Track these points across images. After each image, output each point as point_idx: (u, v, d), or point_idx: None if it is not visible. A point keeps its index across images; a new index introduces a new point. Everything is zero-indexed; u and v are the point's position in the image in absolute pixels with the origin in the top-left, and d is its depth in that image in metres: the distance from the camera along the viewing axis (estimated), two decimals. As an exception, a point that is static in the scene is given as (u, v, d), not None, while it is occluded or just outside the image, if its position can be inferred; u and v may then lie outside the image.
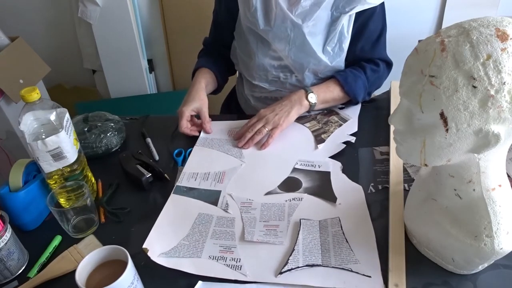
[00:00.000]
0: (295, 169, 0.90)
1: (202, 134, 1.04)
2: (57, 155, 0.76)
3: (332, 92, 1.03)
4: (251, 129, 0.98)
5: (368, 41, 1.05)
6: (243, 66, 1.15)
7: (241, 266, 0.69)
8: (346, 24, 1.00)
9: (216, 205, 0.82)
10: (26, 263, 0.73)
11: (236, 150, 0.97)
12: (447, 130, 0.51)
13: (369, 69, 1.06)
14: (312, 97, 1.01)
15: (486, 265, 0.63)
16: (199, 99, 1.05)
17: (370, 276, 0.65)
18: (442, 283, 0.63)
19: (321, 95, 1.02)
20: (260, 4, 0.99)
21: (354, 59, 1.07)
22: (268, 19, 1.00)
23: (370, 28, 1.03)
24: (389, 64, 1.11)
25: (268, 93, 1.14)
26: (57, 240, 0.77)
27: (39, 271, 0.71)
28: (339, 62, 1.05)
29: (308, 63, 1.04)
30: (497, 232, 0.56)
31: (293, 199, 0.82)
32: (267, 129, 0.97)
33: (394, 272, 0.64)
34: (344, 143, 0.95)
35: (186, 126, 1.02)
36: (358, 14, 1.00)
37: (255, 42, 1.06)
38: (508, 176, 0.69)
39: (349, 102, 1.07)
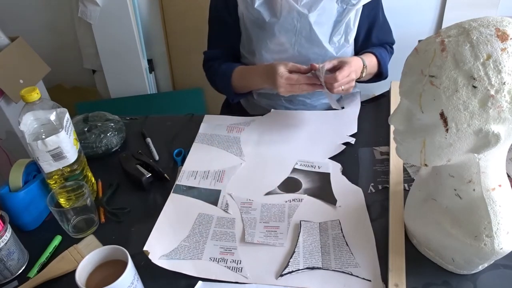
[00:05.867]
0: (295, 170, 0.90)
1: (200, 130, 1.04)
2: (57, 155, 0.76)
3: (373, 63, 1.07)
4: (347, 81, 0.95)
5: (381, 29, 1.11)
6: (247, 64, 1.15)
7: (242, 268, 0.68)
8: (353, 17, 1.03)
9: (216, 205, 0.82)
10: (26, 263, 0.73)
11: (236, 148, 0.97)
12: (447, 130, 0.51)
13: (388, 50, 1.15)
14: (364, 72, 1.03)
15: (486, 265, 0.63)
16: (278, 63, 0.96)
17: (370, 280, 0.65)
18: (442, 283, 0.63)
19: (367, 63, 1.04)
20: None
21: (372, 46, 1.13)
22: (273, 11, 1.01)
23: (379, 17, 1.09)
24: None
25: (271, 89, 1.15)
26: (57, 240, 0.77)
27: (39, 271, 0.71)
28: (344, 53, 1.07)
29: (314, 54, 1.05)
30: (497, 232, 0.56)
31: (293, 200, 0.82)
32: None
33: (394, 272, 0.64)
34: (343, 144, 0.95)
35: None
36: (366, 7, 1.03)
37: (258, 36, 1.06)
38: (508, 176, 0.69)
39: (374, 78, 1.12)
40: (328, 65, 0.94)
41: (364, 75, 1.03)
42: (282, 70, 0.94)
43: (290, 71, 0.95)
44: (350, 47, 1.08)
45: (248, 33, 1.08)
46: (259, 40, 1.06)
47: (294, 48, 1.04)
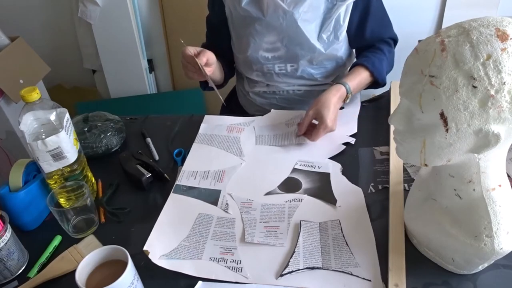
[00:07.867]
0: (295, 170, 0.90)
1: (200, 130, 1.04)
2: (57, 155, 0.76)
3: (363, 79, 1.04)
4: (315, 136, 0.95)
5: (376, 22, 1.06)
6: (239, 63, 1.16)
7: (241, 268, 0.68)
8: (343, 13, 1.01)
9: (216, 205, 0.82)
10: (26, 263, 0.73)
11: (236, 148, 0.97)
12: (447, 130, 0.51)
13: (386, 50, 1.09)
14: (348, 99, 1.01)
15: (486, 265, 0.63)
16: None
17: (370, 280, 0.65)
18: (442, 283, 0.63)
19: (354, 86, 1.01)
20: None
21: (367, 43, 1.09)
22: (261, 9, 1.02)
23: (372, 9, 1.04)
24: (395, 41, 1.14)
25: (266, 88, 1.16)
26: (57, 240, 0.77)
27: (39, 271, 0.71)
28: (333, 49, 1.06)
29: (302, 51, 1.05)
30: (497, 232, 0.56)
31: (293, 200, 0.81)
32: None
33: (394, 272, 0.64)
34: (343, 144, 0.95)
35: (190, 55, 0.93)
36: (357, 1, 1.01)
37: (247, 35, 1.07)
38: (508, 176, 0.69)
39: (371, 86, 1.10)
40: (305, 122, 0.95)
41: (348, 101, 1.01)
42: (186, 50, 0.94)
43: (196, 55, 0.94)
44: (340, 44, 1.05)
45: (238, 33, 1.09)
46: (249, 38, 1.06)
47: (283, 45, 1.05)
